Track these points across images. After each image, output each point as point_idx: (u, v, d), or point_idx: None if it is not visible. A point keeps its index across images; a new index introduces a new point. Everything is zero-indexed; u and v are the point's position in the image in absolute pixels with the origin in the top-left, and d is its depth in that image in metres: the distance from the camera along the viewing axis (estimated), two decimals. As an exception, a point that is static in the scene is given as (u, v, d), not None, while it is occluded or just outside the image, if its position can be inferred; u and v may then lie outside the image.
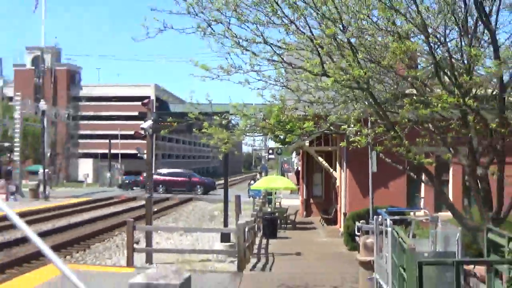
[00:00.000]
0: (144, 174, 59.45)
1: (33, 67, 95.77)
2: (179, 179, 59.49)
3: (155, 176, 60.56)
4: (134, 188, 64.90)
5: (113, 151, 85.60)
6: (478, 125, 9.34)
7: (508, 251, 6.38)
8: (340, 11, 8.94)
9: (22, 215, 27.85)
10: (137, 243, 18.02)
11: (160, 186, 59.36)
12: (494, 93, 9.54)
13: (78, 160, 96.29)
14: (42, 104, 54.31)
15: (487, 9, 9.00)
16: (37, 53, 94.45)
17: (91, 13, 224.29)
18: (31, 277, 14.49)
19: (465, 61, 9.20)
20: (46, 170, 52.59)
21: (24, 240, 22.37)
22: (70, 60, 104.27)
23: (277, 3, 9.22)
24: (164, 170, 67.62)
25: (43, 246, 2.38)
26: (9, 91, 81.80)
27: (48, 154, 58.69)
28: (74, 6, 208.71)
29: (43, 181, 49.05)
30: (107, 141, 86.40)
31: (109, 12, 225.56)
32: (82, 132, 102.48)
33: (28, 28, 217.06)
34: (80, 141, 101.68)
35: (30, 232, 2.39)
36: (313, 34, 9.42)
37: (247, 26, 9.62)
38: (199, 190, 58.27)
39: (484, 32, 9.18)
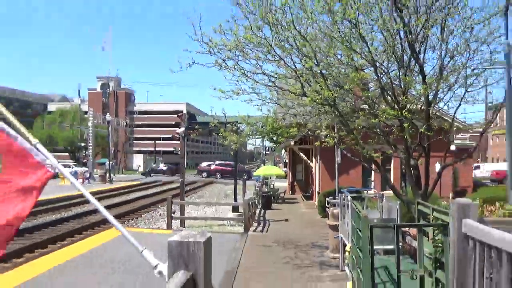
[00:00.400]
0: (213, 164, 60.35)
1: (101, 90, 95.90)
2: (229, 168, 58.41)
3: (215, 166, 60.79)
4: (152, 175, 63.95)
5: (157, 149, 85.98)
6: (411, 130, 9.34)
7: (432, 218, 6.39)
8: (315, 51, 8.95)
9: (94, 193, 27.73)
10: (174, 213, 18.07)
11: (217, 173, 59.48)
12: (422, 107, 9.55)
13: (133, 155, 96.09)
14: (108, 116, 54.22)
15: (417, 49, 9.04)
16: (104, 80, 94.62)
17: (143, 50, 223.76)
18: (100, 236, 14.55)
19: (402, 86, 9.21)
20: (111, 162, 52.77)
21: (95, 211, 22.46)
22: (127, 86, 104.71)
23: (270, 45, 9.24)
24: (221, 162, 67.12)
25: (108, 215, 2.40)
26: (84, 107, 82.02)
27: (112, 151, 58.77)
28: (132, 45, 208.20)
29: (109, 170, 49.04)
30: (153, 142, 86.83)
31: (156, 50, 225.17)
32: (135, 135, 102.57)
33: (99, 61, 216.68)
34: (134, 142, 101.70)
35: (98, 204, 2.41)
36: (296, 67, 9.44)
37: (250, 62, 9.65)
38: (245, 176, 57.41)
39: (415, 65, 9.18)
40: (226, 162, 66.48)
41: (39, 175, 2.02)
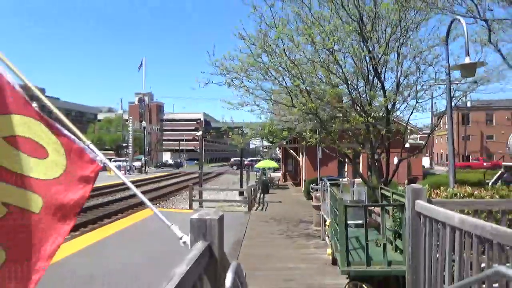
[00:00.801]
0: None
1: (138, 103, 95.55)
2: (253, 163, 56.70)
3: (246, 162, 59.76)
4: (163, 168, 62.71)
5: (181, 148, 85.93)
6: (375, 132, 9.31)
7: (392, 199, 6.38)
8: (301, 73, 8.93)
9: (133, 182, 27.53)
10: (194, 196, 18.02)
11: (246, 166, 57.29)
12: (383, 115, 9.52)
13: (162, 153, 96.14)
14: (143, 123, 54.36)
15: (379, 71, 9.01)
16: (141, 96, 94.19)
17: (171, 70, 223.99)
18: (139, 214, 14.54)
19: (368, 98, 9.18)
20: (146, 158, 52.78)
21: (134, 195, 22.41)
22: (158, 99, 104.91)
23: (267, 68, 9.22)
24: (251, 158, 65.68)
25: (143, 198, 2.40)
26: (125, 116, 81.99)
27: (147, 150, 58.65)
28: (163, 67, 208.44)
29: (144, 164, 49.06)
30: (178, 142, 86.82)
31: (180, 71, 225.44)
32: (164, 137, 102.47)
33: (138, 80, 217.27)
34: (164, 142, 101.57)
35: (136, 190, 2.41)
36: (287, 85, 9.42)
37: (252, 81, 9.63)
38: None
39: (377, 82, 9.16)
40: (250, 158, 65.76)
41: (92, 168, 2.03)
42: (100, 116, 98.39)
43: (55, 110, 2.05)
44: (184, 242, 2.03)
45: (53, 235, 1.93)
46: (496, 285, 2.33)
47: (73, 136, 2.03)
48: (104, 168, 2.66)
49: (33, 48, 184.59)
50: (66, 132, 2.00)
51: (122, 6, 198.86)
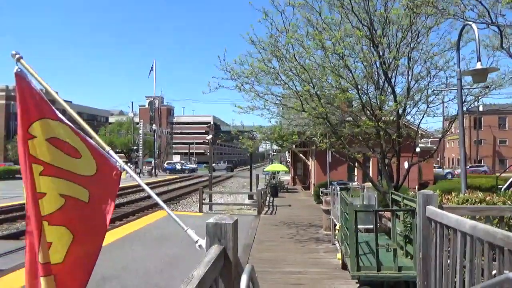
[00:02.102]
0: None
1: (149, 107, 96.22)
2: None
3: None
4: (168, 172, 61.78)
5: (191, 151, 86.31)
6: (385, 136, 9.31)
7: (402, 204, 6.38)
8: (311, 78, 8.97)
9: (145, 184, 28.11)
10: (204, 199, 18.11)
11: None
12: (394, 119, 9.51)
13: (172, 156, 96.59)
14: (154, 126, 54.77)
15: (390, 75, 9.02)
16: (151, 99, 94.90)
17: (181, 74, 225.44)
18: (149, 217, 14.66)
19: (378, 103, 9.18)
20: (156, 161, 53.18)
21: (144, 198, 22.63)
22: (169, 102, 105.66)
23: (277, 73, 9.29)
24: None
25: (160, 201, 2.47)
26: (136, 119, 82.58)
27: (157, 153, 59.09)
28: (173, 70, 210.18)
29: (154, 167, 49.42)
30: (187, 145, 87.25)
31: (190, 74, 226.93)
32: (174, 141, 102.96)
33: (149, 84, 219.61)
34: (173, 145, 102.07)
35: (152, 193, 2.49)
36: (297, 89, 9.47)
37: (262, 85, 9.71)
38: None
39: (388, 87, 9.16)
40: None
41: (115, 172, 2.16)
42: (111, 119, 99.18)
43: (80, 121, 2.15)
44: (200, 246, 2.09)
45: (101, 223, 2.17)
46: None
47: (94, 142, 2.12)
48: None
49: (45, 49, 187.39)
50: (88, 139, 2.09)
51: (132, 8, 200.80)
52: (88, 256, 2.17)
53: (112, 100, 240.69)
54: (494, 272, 2.50)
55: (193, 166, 67.71)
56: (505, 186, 13.81)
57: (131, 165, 51.07)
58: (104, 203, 2.19)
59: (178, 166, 63.36)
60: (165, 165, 66.32)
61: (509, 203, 4.53)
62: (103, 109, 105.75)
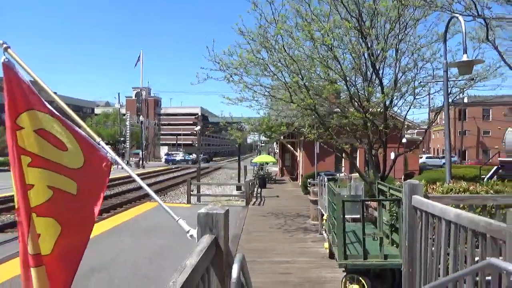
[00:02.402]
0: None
1: (136, 98, 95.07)
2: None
3: None
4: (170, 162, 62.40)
5: (178, 142, 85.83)
6: (372, 128, 9.40)
7: (389, 194, 6.48)
8: (300, 69, 8.99)
9: (131, 176, 27.90)
10: (192, 191, 18.07)
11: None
12: (381, 111, 9.61)
13: (160, 147, 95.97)
14: (141, 118, 54.22)
15: (377, 67, 9.08)
16: (138, 90, 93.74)
17: (169, 64, 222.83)
18: (137, 208, 14.61)
19: (366, 94, 9.26)
20: (143, 152, 52.79)
21: (130, 190, 22.50)
22: (156, 93, 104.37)
23: (267, 64, 9.28)
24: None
25: (152, 193, 2.47)
26: (123, 110, 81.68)
27: (144, 144, 58.62)
28: (161, 61, 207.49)
29: (141, 158, 49.05)
30: (175, 136, 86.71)
31: (179, 65, 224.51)
32: (161, 132, 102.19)
33: (136, 75, 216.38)
34: (161, 137, 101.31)
35: (144, 184, 2.48)
36: (286, 81, 9.48)
37: (251, 76, 9.68)
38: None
39: (376, 79, 9.23)
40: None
41: (105, 163, 2.15)
42: (97, 111, 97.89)
43: (70, 112, 2.13)
44: (191, 236, 2.12)
45: (89, 215, 2.16)
46: (489, 277, 2.43)
47: (84, 133, 2.11)
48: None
49: (29, 40, 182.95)
50: (78, 129, 2.08)
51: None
52: (75, 248, 2.17)
53: (98, 91, 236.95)
54: (476, 258, 2.58)
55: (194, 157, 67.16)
56: (488, 176, 14.15)
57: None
58: (92, 195, 2.18)
59: (179, 157, 62.94)
60: (165, 156, 65.85)
61: (492, 192, 4.66)
62: (89, 100, 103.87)
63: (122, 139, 60.69)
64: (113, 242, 9.38)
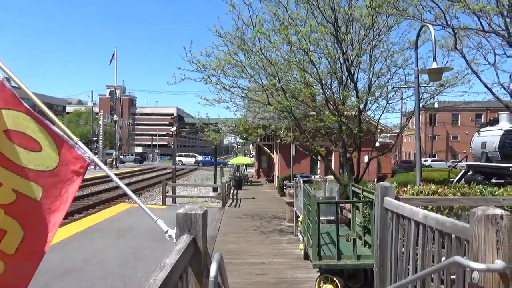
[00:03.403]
0: None
1: (110, 96, 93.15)
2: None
3: None
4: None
5: (154, 143, 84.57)
6: (347, 131, 9.60)
7: (362, 196, 6.64)
8: (277, 72, 9.09)
9: (104, 177, 27.33)
10: (167, 192, 17.87)
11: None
12: (355, 114, 9.83)
13: (134, 147, 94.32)
14: (115, 117, 53.09)
15: (352, 72, 9.30)
16: (112, 88, 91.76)
17: (144, 63, 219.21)
18: (113, 209, 14.33)
19: (341, 98, 9.46)
20: (117, 152, 51.73)
21: (104, 191, 22.04)
22: (131, 92, 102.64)
23: (244, 66, 9.33)
24: None
25: (130, 192, 2.46)
26: (96, 109, 79.82)
27: (118, 144, 57.46)
28: (136, 59, 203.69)
29: (115, 159, 48.10)
30: (150, 137, 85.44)
31: (154, 64, 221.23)
32: (136, 132, 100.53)
33: (110, 72, 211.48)
34: (135, 137, 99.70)
35: (122, 184, 2.47)
36: (263, 83, 9.56)
37: (228, 78, 9.70)
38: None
39: (350, 83, 9.45)
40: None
41: (81, 164, 2.12)
42: (69, 109, 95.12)
43: (47, 111, 2.11)
44: (170, 236, 2.14)
45: (51, 221, 2.08)
46: (454, 276, 2.56)
47: (61, 133, 2.09)
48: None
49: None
50: (55, 128, 2.06)
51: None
52: (35, 253, 2.11)
53: (70, 89, 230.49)
54: (443, 258, 2.71)
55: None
56: (456, 179, 14.69)
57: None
58: (59, 199, 2.11)
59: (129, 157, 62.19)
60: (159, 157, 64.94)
61: (458, 194, 4.87)
62: (60, 97, 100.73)
63: (94, 138, 59.24)
64: (86, 243, 9.18)
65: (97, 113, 65.76)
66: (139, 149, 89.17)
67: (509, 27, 7.87)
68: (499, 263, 1.93)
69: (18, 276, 2.08)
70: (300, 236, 8.61)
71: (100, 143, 55.54)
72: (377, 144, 18.17)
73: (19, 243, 2.05)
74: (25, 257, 2.07)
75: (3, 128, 1.96)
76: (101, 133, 55.30)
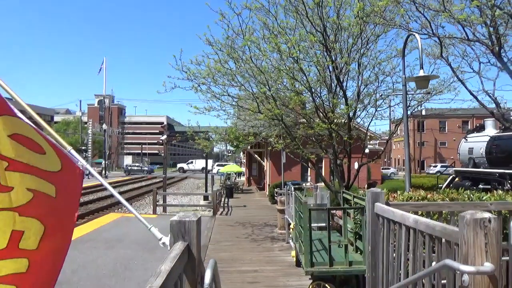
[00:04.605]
0: None
1: (98, 105, 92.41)
2: None
3: None
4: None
5: (143, 151, 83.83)
6: (337, 138, 9.67)
7: (353, 202, 6.68)
8: (267, 80, 9.15)
9: (94, 186, 27.03)
10: (158, 201, 17.74)
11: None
12: (345, 122, 9.91)
13: (123, 156, 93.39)
14: (104, 126, 52.73)
15: (341, 79, 9.41)
16: (101, 98, 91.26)
17: (133, 71, 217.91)
18: (102, 219, 14.15)
19: (331, 106, 9.54)
20: (106, 161, 51.23)
21: (92, 201, 21.77)
22: (119, 101, 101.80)
23: (234, 74, 9.37)
24: None
25: (124, 201, 2.45)
26: (84, 118, 79.17)
27: (107, 153, 56.92)
28: (125, 68, 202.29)
29: (104, 168, 47.60)
30: (140, 146, 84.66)
31: (144, 72, 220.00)
32: (126, 141, 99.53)
33: (98, 81, 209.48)
34: (125, 146, 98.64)
35: (116, 193, 2.46)
36: (253, 91, 9.61)
37: (219, 86, 9.71)
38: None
39: (340, 91, 9.53)
40: None
41: (78, 171, 2.14)
42: (57, 118, 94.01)
43: (40, 120, 2.12)
44: (164, 243, 2.14)
45: (69, 219, 2.12)
46: (445, 281, 2.60)
47: (54, 141, 2.10)
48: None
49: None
50: (49, 137, 2.06)
51: (84, 3, 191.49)
52: (58, 251, 2.12)
53: (57, 98, 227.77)
54: (434, 263, 2.76)
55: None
56: (444, 185, 14.87)
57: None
58: (70, 199, 2.15)
59: (135, 167, 61.09)
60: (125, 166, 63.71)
61: (447, 199, 4.95)
62: (47, 107, 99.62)
63: (83, 148, 58.68)
64: (75, 254, 9.04)
65: (85, 123, 65.34)
66: (129, 158, 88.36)
67: (493, 36, 8.08)
68: (488, 266, 1.98)
69: (46, 272, 2.05)
70: (291, 243, 8.61)
71: (89, 153, 55.11)
72: (366, 150, 18.34)
73: (41, 237, 2.02)
74: (50, 251, 2.05)
75: (9, 132, 1.97)
76: (90, 142, 54.86)
